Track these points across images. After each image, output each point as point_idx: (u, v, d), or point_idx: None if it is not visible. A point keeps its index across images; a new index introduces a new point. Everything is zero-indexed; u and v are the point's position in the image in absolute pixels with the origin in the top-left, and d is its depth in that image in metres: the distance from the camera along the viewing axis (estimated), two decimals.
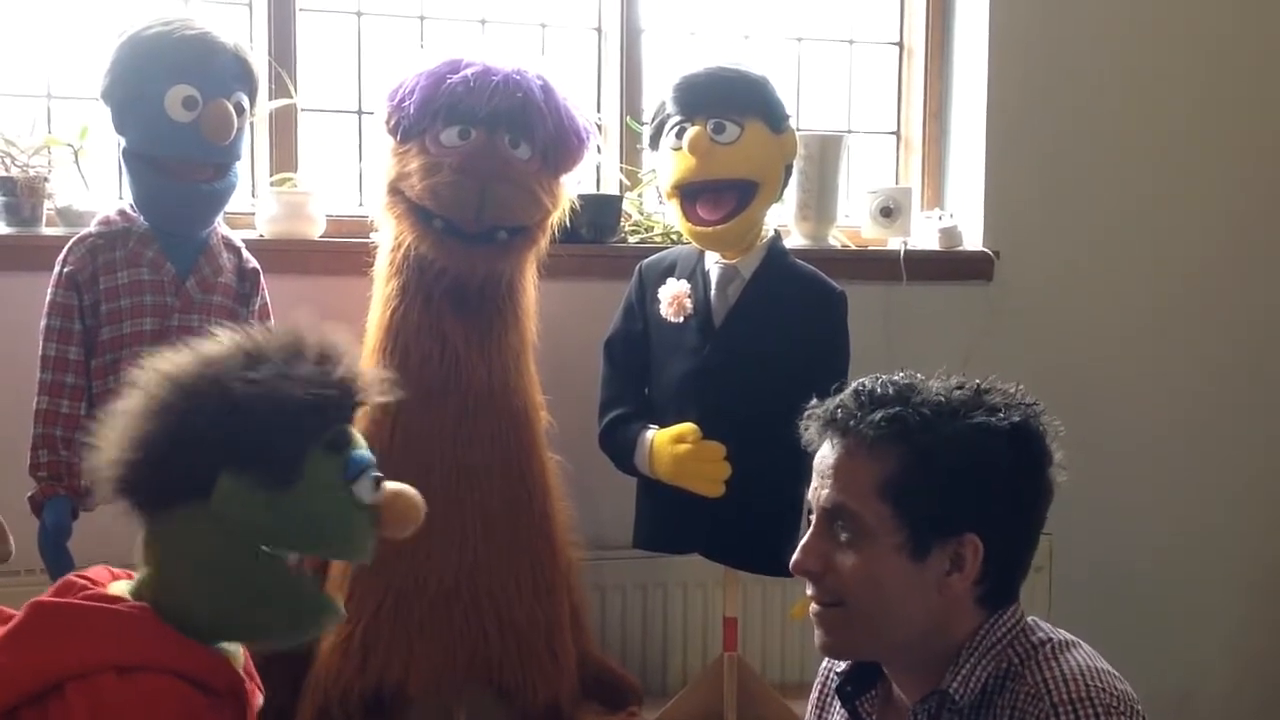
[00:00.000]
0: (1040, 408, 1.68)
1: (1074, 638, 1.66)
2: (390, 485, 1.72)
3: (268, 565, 1.63)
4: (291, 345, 1.65)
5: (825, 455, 1.66)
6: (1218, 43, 3.64)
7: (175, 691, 1.55)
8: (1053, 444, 1.67)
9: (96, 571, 1.70)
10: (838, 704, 1.81)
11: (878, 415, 1.61)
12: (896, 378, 1.68)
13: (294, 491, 1.61)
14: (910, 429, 1.60)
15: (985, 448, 1.61)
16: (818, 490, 1.66)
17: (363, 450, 1.69)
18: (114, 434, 1.61)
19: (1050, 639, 1.63)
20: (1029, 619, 1.68)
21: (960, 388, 1.67)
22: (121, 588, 1.66)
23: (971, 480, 1.60)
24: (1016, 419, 1.63)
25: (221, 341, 1.66)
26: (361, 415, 1.74)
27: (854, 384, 1.69)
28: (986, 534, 1.61)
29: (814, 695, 1.90)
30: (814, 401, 1.71)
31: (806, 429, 1.70)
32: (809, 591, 1.67)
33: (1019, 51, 3.46)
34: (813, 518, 1.68)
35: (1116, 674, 1.60)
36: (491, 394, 2.71)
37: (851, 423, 1.63)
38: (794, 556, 1.67)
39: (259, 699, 1.73)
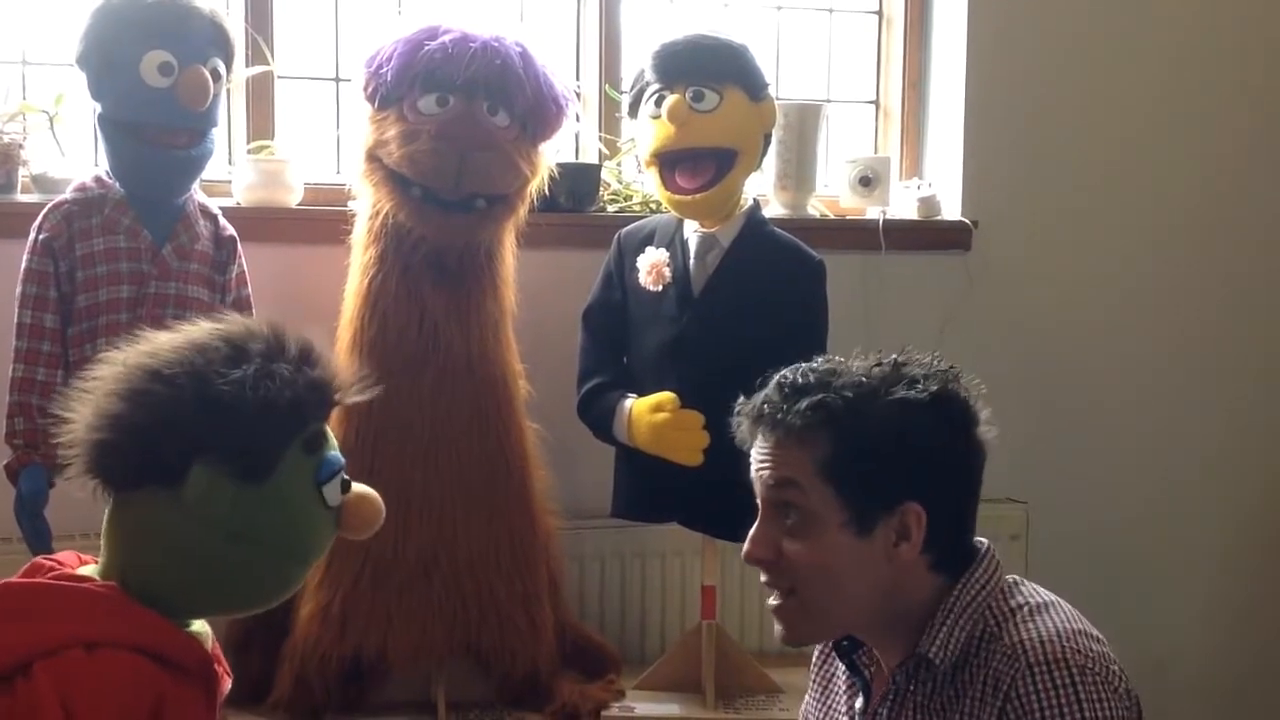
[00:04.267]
0: (957, 371, 1.71)
1: (1054, 598, 1.68)
2: (357, 488, 1.74)
3: (233, 550, 1.64)
4: (272, 342, 1.66)
5: (760, 448, 1.70)
6: (1197, 14, 3.64)
7: (139, 668, 1.55)
8: (975, 404, 1.70)
9: (65, 555, 1.71)
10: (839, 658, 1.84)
11: (802, 404, 1.64)
12: (817, 364, 1.71)
13: (265, 488, 1.62)
14: (835, 413, 1.63)
15: (909, 419, 1.64)
16: (757, 482, 1.70)
17: (335, 452, 1.71)
18: (89, 410, 1.61)
19: (1028, 602, 1.65)
20: (1010, 578, 1.70)
21: (879, 364, 1.70)
22: (89, 571, 1.67)
23: (901, 452, 1.63)
24: (935, 388, 1.66)
25: (203, 329, 1.67)
26: (333, 427, 1.75)
27: (776, 377, 1.72)
28: (926, 502, 1.64)
29: (816, 651, 1.92)
30: (740, 400, 1.74)
31: (739, 427, 1.74)
32: (763, 579, 1.71)
33: (998, 21, 3.46)
34: (759, 509, 1.71)
35: (1095, 635, 1.62)
36: (470, 362, 2.70)
37: (779, 415, 1.66)
38: (745, 548, 1.71)
39: (227, 683, 1.73)
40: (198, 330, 1.67)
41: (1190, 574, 3.73)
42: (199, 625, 1.71)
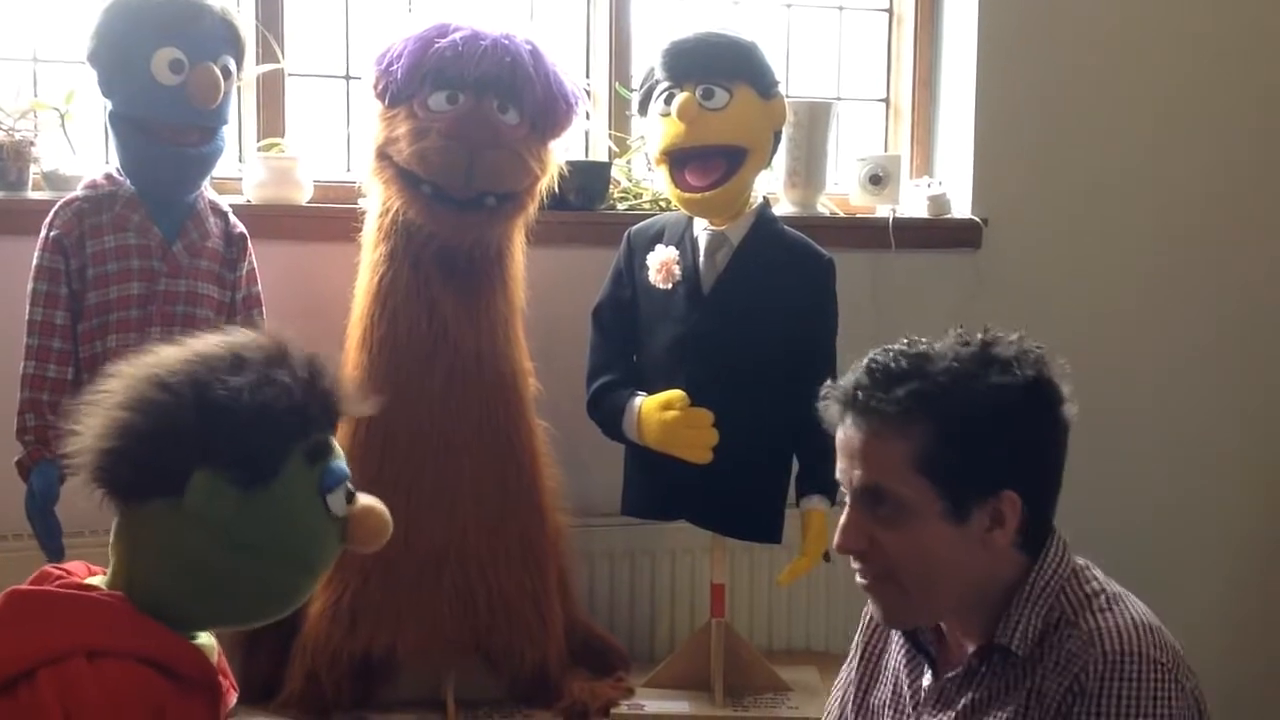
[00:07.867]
0: (1045, 350, 1.71)
1: (1123, 590, 1.69)
2: (363, 500, 1.74)
3: (237, 559, 1.64)
4: (274, 352, 1.66)
5: (851, 436, 1.67)
6: (1209, 13, 3.63)
7: (142, 677, 1.55)
8: (1061, 382, 1.70)
9: (74, 565, 1.72)
10: (897, 635, 1.84)
11: (899, 391, 1.63)
12: (904, 347, 1.69)
13: (266, 494, 1.62)
14: (933, 401, 1.62)
15: (1007, 407, 1.63)
16: (848, 471, 1.68)
17: (340, 462, 1.71)
18: (95, 421, 1.61)
19: (1104, 590, 1.67)
20: (1079, 561, 1.71)
21: (966, 344, 1.69)
22: (97, 581, 1.67)
23: (1000, 440, 1.63)
24: (1031, 373, 1.66)
25: (209, 340, 1.68)
26: (342, 426, 1.76)
27: (866, 360, 1.69)
28: (1021, 487, 1.64)
29: (864, 620, 1.92)
30: (829, 383, 1.72)
31: (826, 409, 1.71)
32: (855, 566, 1.70)
33: (1008, 19, 3.45)
34: (846, 498, 1.70)
35: (1164, 629, 1.64)
36: (479, 360, 2.71)
37: (873, 402, 1.64)
38: (836, 539, 1.69)
39: (232, 697, 1.74)
40: (203, 342, 1.68)
41: (1201, 579, 3.71)
42: (205, 638, 1.71)
